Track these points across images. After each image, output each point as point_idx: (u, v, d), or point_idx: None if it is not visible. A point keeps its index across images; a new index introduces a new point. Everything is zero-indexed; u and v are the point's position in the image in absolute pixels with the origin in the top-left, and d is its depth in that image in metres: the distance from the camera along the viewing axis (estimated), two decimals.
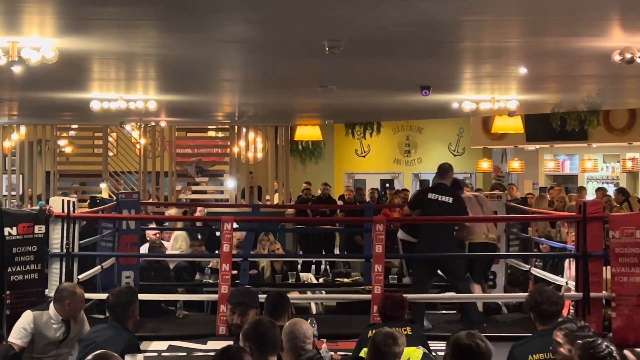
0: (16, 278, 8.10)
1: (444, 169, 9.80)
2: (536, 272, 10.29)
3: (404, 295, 7.06)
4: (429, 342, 6.34)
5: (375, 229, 9.11)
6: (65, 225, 8.74)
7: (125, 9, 6.72)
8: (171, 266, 11.63)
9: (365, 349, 5.34)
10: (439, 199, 9.48)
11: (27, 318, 6.53)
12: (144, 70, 10.73)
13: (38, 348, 6.49)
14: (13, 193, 18.72)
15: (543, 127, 18.08)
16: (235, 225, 9.55)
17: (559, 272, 10.10)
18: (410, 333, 6.12)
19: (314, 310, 10.85)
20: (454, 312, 10.09)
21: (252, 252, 11.45)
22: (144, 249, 11.35)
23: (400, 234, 10.11)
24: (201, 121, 19.16)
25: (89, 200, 12.31)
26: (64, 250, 8.72)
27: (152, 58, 9.59)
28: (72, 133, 20.14)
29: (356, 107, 15.75)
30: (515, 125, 16.10)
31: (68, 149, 19.82)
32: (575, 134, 17.61)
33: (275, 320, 4.86)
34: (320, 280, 12.93)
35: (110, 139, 19.23)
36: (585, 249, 8.78)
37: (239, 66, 10.46)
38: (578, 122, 17.22)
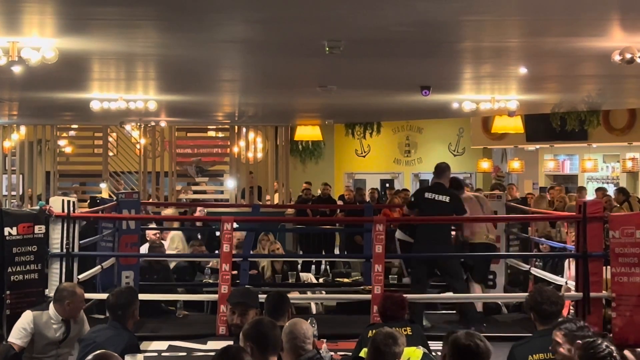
0: (16, 278, 8.10)
1: (441, 169, 9.83)
2: (536, 272, 10.29)
3: (404, 295, 7.06)
4: (428, 342, 6.34)
5: (375, 229, 9.11)
6: (65, 225, 8.74)
7: (125, 9, 6.72)
8: (171, 266, 11.64)
9: (365, 349, 5.34)
10: (436, 198, 9.51)
11: (27, 318, 6.53)
12: (144, 70, 10.73)
13: (38, 348, 6.49)
14: (13, 193, 18.72)
15: (543, 127, 18.07)
16: (235, 225, 9.55)
17: (559, 272, 10.10)
18: (411, 333, 6.12)
19: (314, 310, 10.85)
20: (454, 312, 10.09)
21: (252, 252, 11.46)
22: (144, 249, 11.35)
23: (398, 234, 10.13)
24: (201, 121, 19.16)
25: (89, 200, 12.32)
26: (64, 250, 8.72)
27: (152, 58, 9.59)
28: (72, 133, 20.13)
29: (356, 107, 15.75)
30: (515, 125, 16.10)
31: (68, 149, 19.81)
32: (575, 134, 17.60)
33: (275, 320, 4.86)
34: (320, 280, 12.94)
35: (110, 139, 19.23)
36: (585, 249, 8.78)
37: (239, 66, 10.46)
38: (578, 122, 17.21)
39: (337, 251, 16.40)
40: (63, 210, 8.73)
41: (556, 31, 7.67)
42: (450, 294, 9.76)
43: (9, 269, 8.07)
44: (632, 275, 8.48)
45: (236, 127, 18.78)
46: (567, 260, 9.79)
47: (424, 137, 22.62)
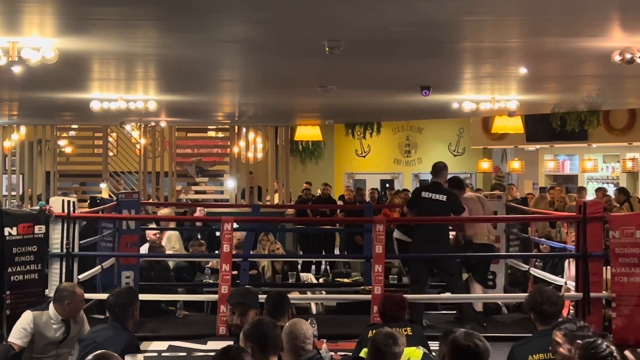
0: (16, 278, 8.11)
1: (438, 168, 9.86)
2: (536, 272, 10.29)
3: (404, 295, 7.06)
4: (428, 342, 6.34)
5: (375, 229, 9.12)
6: (65, 225, 8.75)
7: (125, 9, 6.72)
8: (171, 266, 11.64)
9: (365, 349, 5.34)
10: (433, 197, 9.53)
11: (27, 318, 6.53)
12: (144, 70, 10.73)
13: (38, 348, 6.49)
14: (13, 193, 18.72)
15: (543, 127, 18.07)
16: (235, 225, 9.55)
17: (559, 272, 10.10)
18: (411, 333, 6.12)
19: (314, 310, 10.86)
20: (454, 312, 10.09)
21: (252, 252, 11.45)
22: (144, 249, 11.35)
23: (396, 234, 10.13)
24: (201, 121, 19.16)
25: (89, 200, 12.32)
26: (64, 250, 8.72)
27: (152, 58, 9.59)
28: (72, 133, 20.12)
29: (356, 107, 15.75)
30: (515, 125, 16.10)
31: (68, 149, 19.81)
32: (575, 134, 17.60)
33: (275, 320, 4.85)
34: (321, 280, 12.93)
35: (110, 139, 19.23)
36: (585, 249, 8.79)
37: (239, 66, 10.46)
38: (578, 122, 17.21)
39: (337, 251, 16.40)
40: (63, 210, 8.73)
41: (556, 31, 7.67)
42: (450, 294, 9.76)
43: (9, 269, 8.07)
44: (632, 276, 8.49)
45: (236, 127, 18.78)
46: (567, 261, 9.79)
47: (424, 137, 22.62)
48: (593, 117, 17.14)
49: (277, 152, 19.31)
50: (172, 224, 13.97)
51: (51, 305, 6.56)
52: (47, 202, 9.70)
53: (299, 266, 12.87)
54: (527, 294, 6.60)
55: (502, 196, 11.45)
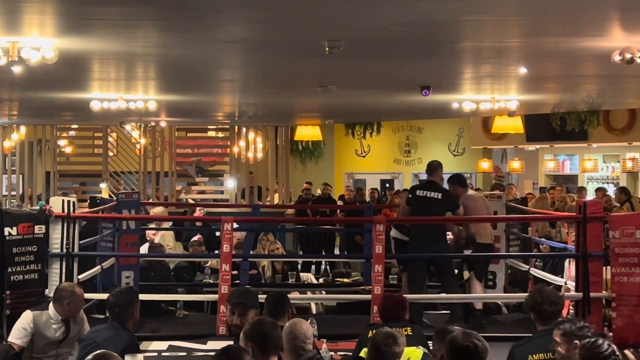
0: (16, 278, 8.11)
1: (433, 167, 9.89)
2: (536, 272, 10.29)
3: (404, 295, 7.06)
4: (428, 342, 6.33)
5: (375, 229, 9.12)
6: (65, 225, 8.74)
7: (125, 9, 6.72)
8: (171, 266, 11.63)
9: (365, 349, 5.34)
10: (427, 195, 9.56)
11: (26, 318, 6.53)
12: (144, 70, 10.73)
13: (38, 348, 6.49)
14: (13, 193, 18.72)
15: (543, 127, 18.07)
16: (235, 225, 9.55)
17: (559, 272, 10.10)
18: (411, 333, 6.12)
19: (314, 310, 10.86)
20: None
21: (252, 252, 11.45)
22: (144, 249, 11.35)
23: (393, 232, 10.13)
24: (201, 121, 19.16)
25: (89, 200, 12.31)
26: (64, 250, 8.72)
27: (152, 58, 9.58)
28: (72, 133, 20.12)
29: (356, 107, 15.75)
30: (515, 125, 16.10)
31: (68, 149, 19.80)
32: (575, 134, 17.60)
33: (275, 320, 4.85)
34: (320, 280, 12.93)
35: (110, 139, 19.22)
36: (585, 249, 8.79)
37: (239, 66, 10.46)
38: (578, 122, 17.21)
39: (337, 251, 16.40)
40: (63, 210, 8.73)
41: (556, 31, 7.66)
42: (450, 295, 9.76)
43: (9, 269, 8.07)
44: (632, 275, 8.48)
45: (236, 127, 18.78)
46: (567, 261, 9.79)
47: (424, 137, 22.62)
48: (593, 117, 17.15)
49: (277, 152, 19.31)
50: (166, 224, 13.92)
51: (51, 305, 6.57)
52: (47, 202, 9.71)
53: (299, 266, 12.87)
54: (527, 294, 6.60)
55: (502, 196, 11.45)
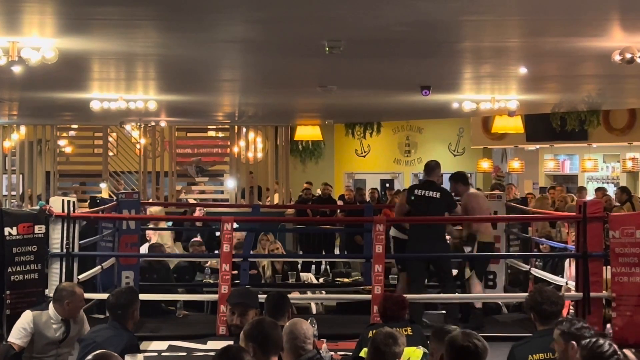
0: (16, 278, 8.11)
1: (430, 167, 9.90)
2: (536, 272, 10.29)
3: (404, 295, 7.06)
4: (429, 342, 6.33)
5: (375, 229, 9.12)
6: (65, 225, 8.74)
7: (125, 9, 6.72)
8: (171, 266, 11.63)
9: (365, 349, 5.34)
10: (426, 195, 9.58)
11: (26, 318, 6.53)
12: (144, 70, 10.73)
13: (38, 348, 6.49)
14: (13, 193, 18.72)
15: (543, 127, 18.06)
16: (235, 225, 9.55)
17: (559, 272, 10.10)
18: (411, 333, 6.12)
19: (314, 310, 10.86)
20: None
21: (252, 252, 11.45)
22: (144, 249, 11.35)
23: (392, 232, 10.14)
24: (201, 121, 19.16)
25: (89, 200, 12.31)
26: (64, 250, 8.72)
27: (152, 58, 9.59)
28: (72, 133, 20.11)
29: (356, 107, 15.75)
30: (515, 125, 16.10)
31: (68, 149, 19.80)
32: (575, 134, 17.59)
33: (275, 320, 4.85)
34: (321, 280, 12.93)
35: (110, 139, 19.22)
36: (585, 249, 8.79)
37: (239, 66, 10.46)
38: (578, 122, 17.20)
39: (337, 251, 16.40)
40: (63, 210, 8.73)
41: (556, 31, 7.66)
42: (451, 295, 9.76)
43: (9, 269, 8.07)
44: (632, 275, 8.48)
45: (236, 127, 18.78)
46: (567, 260, 9.79)
47: (424, 137, 22.62)
48: (593, 117, 17.14)
49: (277, 152, 19.31)
50: (164, 224, 13.91)
51: (51, 305, 6.57)
52: (47, 202, 9.70)
53: (299, 266, 12.87)
54: (527, 294, 6.60)
55: (502, 196, 11.45)
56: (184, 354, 8.34)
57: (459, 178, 10.06)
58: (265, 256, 11.59)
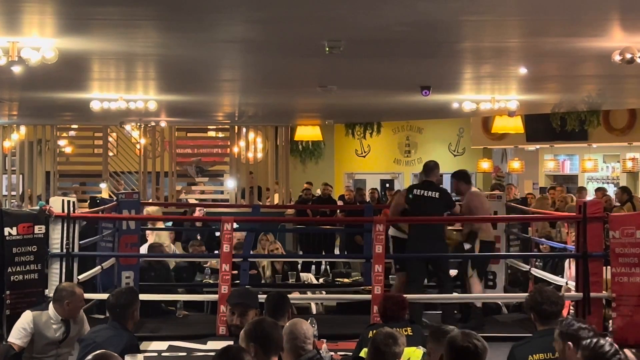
0: (16, 278, 8.11)
1: (429, 167, 9.91)
2: (536, 272, 10.28)
3: (404, 295, 7.07)
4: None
5: (375, 229, 9.12)
6: (65, 225, 8.74)
7: (125, 9, 6.72)
8: (171, 266, 11.63)
9: (365, 349, 5.34)
10: (425, 194, 9.58)
11: (26, 318, 6.53)
12: (144, 70, 10.73)
13: (38, 348, 6.49)
14: (13, 193, 18.72)
15: (543, 127, 18.06)
16: (235, 225, 9.55)
17: (559, 272, 10.10)
18: (411, 333, 6.12)
19: (314, 310, 10.86)
20: (454, 312, 10.09)
21: (252, 252, 11.45)
22: (144, 249, 11.34)
23: (391, 231, 10.14)
24: (201, 121, 19.16)
25: (89, 200, 12.31)
26: (64, 250, 8.72)
27: (152, 58, 9.59)
28: (72, 133, 20.12)
29: (356, 107, 15.75)
30: (515, 125, 16.10)
31: (68, 149, 19.81)
32: (575, 134, 17.59)
33: (275, 320, 4.85)
34: (321, 280, 12.93)
35: (110, 139, 19.22)
36: (585, 249, 8.78)
37: (239, 66, 10.46)
38: (578, 122, 17.20)
39: (337, 251, 16.40)
40: (63, 210, 8.73)
41: (556, 31, 7.67)
42: (451, 295, 9.77)
43: (9, 269, 8.07)
44: (632, 276, 8.48)
45: (236, 127, 18.78)
46: (567, 261, 9.79)
47: (424, 137, 22.62)
48: (593, 117, 17.14)
49: (277, 152, 19.31)
50: (161, 224, 13.88)
51: (51, 305, 6.57)
52: (47, 202, 9.70)
53: (299, 266, 12.87)
54: (527, 294, 6.60)
55: (502, 196, 11.45)
56: (184, 354, 8.34)
57: (462, 176, 10.05)
58: (265, 256, 11.58)
